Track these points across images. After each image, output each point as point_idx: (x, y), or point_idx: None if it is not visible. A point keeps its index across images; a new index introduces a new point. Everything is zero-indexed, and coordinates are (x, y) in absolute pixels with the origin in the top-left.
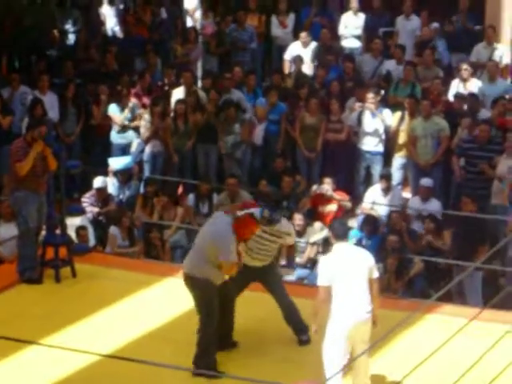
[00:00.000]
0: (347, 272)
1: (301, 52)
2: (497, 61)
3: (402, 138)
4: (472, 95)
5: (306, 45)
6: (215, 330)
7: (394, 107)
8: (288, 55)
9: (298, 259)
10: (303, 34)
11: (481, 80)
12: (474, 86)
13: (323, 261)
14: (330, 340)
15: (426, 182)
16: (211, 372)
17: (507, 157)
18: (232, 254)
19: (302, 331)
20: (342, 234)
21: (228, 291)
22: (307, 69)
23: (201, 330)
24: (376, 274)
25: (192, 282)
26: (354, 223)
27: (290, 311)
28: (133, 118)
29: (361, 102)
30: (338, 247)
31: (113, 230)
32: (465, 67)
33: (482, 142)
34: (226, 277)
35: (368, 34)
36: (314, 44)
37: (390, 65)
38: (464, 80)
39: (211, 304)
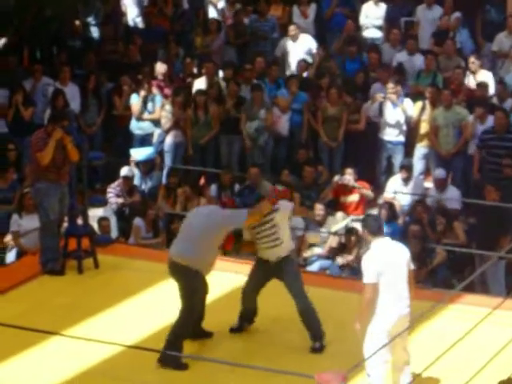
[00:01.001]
0: (391, 267)
1: (290, 46)
2: None
3: (423, 128)
4: (500, 82)
5: (295, 39)
6: (190, 326)
7: (415, 97)
8: (278, 51)
9: (319, 250)
10: (292, 27)
11: (503, 70)
12: (484, 78)
13: (367, 258)
14: (374, 337)
15: (439, 173)
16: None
17: None
18: (239, 211)
19: (315, 337)
20: (377, 230)
21: (247, 289)
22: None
23: (178, 320)
24: (412, 266)
25: (178, 270)
26: (375, 213)
27: (307, 315)
28: (153, 109)
29: (383, 88)
30: (377, 243)
31: (137, 221)
32: (472, 60)
33: (499, 131)
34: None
35: (389, 24)
36: (303, 36)
37: (401, 56)
38: (473, 73)
39: (195, 296)
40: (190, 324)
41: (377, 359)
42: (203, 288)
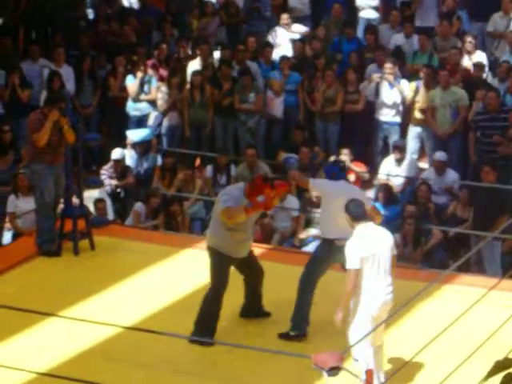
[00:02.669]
0: (375, 253)
1: (284, 35)
2: None
3: (417, 109)
4: (504, 61)
5: (287, 27)
6: (218, 305)
7: (411, 77)
8: (270, 38)
9: (315, 231)
10: (284, 16)
11: (498, 50)
12: (479, 58)
13: (351, 244)
14: (358, 323)
15: (439, 156)
16: (206, 339)
17: None
18: (228, 202)
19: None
20: (361, 215)
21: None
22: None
23: (205, 300)
24: (395, 251)
25: (208, 251)
26: (371, 194)
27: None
28: (149, 91)
29: (380, 70)
30: (361, 228)
31: (138, 207)
32: (469, 40)
33: (491, 110)
34: (245, 251)
35: (385, 5)
36: (295, 26)
37: (398, 38)
38: (469, 52)
39: (220, 277)
40: (215, 302)
41: (362, 344)
42: (227, 269)
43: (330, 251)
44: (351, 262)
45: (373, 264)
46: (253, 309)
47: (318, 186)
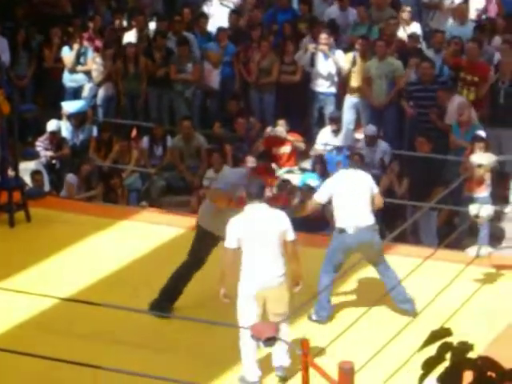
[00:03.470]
0: (257, 234)
1: (218, 6)
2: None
3: (354, 80)
4: (437, 31)
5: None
6: (185, 281)
7: (351, 49)
8: (206, 9)
9: None
10: None
11: (434, 21)
12: (414, 29)
13: (232, 222)
14: (241, 303)
15: (369, 129)
16: (163, 313)
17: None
18: (219, 184)
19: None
20: (256, 195)
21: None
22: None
23: (175, 273)
24: (291, 236)
25: (196, 227)
26: (307, 165)
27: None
28: (85, 62)
29: (315, 42)
30: (250, 208)
31: (70, 177)
32: (408, 9)
33: (425, 81)
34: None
35: None
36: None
37: (333, 11)
38: (406, 22)
39: (198, 254)
40: (183, 281)
41: (245, 323)
42: (207, 250)
43: (344, 239)
44: (228, 241)
45: (253, 245)
46: None
47: (324, 196)
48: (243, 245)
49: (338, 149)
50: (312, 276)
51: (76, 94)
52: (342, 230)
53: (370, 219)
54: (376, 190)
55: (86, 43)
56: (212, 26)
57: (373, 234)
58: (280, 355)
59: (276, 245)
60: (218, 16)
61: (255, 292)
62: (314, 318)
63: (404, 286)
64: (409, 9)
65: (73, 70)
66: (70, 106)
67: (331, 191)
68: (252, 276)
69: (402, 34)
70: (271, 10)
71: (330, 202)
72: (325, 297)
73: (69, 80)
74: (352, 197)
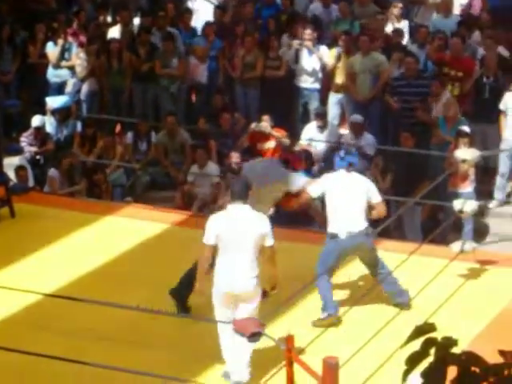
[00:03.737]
0: (236, 234)
1: (202, 1)
2: None
3: (338, 76)
4: (421, 26)
5: None
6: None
7: (334, 44)
8: (190, 5)
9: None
10: None
11: (418, 16)
12: (399, 24)
13: (212, 218)
14: (214, 301)
15: (355, 118)
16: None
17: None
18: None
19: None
20: (239, 195)
21: None
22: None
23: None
24: (270, 242)
25: None
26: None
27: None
28: (69, 57)
29: (295, 38)
30: (232, 207)
31: (52, 172)
32: (400, 5)
33: (409, 76)
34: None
35: None
36: None
37: (315, 8)
38: (396, 18)
39: None
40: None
41: (221, 326)
42: None
43: (337, 244)
44: (206, 237)
45: (230, 245)
46: None
47: (318, 191)
48: (220, 242)
49: (346, 150)
50: (299, 270)
51: (60, 89)
52: (334, 236)
53: (362, 224)
54: (377, 198)
55: (70, 39)
56: (196, 22)
57: (364, 238)
58: (240, 369)
59: (252, 247)
60: (202, 11)
61: (226, 291)
62: (323, 316)
63: (397, 278)
64: (400, 5)
65: (57, 66)
66: (54, 102)
67: (325, 187)
68: (224, 275)
69: (388, 29)
70: (256, 6)
71: (321, 200)
72: (329, 298)
73: (53, 75)
74: (345, 200)
